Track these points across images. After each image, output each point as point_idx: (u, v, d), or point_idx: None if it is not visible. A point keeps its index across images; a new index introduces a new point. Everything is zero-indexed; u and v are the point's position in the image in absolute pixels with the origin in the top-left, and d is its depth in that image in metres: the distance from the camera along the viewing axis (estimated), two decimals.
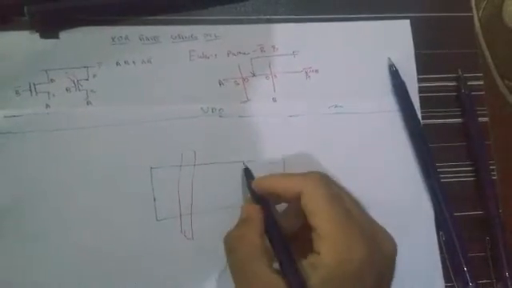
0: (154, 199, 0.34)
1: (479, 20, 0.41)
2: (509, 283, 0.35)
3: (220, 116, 0.36)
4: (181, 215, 0.34)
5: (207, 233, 0.33)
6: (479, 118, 0.38)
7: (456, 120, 0.38)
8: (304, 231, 0.28)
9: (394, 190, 0.36)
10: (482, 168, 0.37)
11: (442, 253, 0.35)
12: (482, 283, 0.35)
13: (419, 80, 0.38)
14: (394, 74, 0.37)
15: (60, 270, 0.32)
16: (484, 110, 0.39)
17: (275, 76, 0.37)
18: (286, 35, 0.38)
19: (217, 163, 0.35)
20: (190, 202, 0.34)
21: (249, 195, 0.32)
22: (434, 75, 0.39)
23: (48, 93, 0.34)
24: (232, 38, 0.37)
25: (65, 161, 0.34)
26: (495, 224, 0.36)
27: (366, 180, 0.35)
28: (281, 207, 0.33)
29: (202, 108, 0.35)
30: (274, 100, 0.37)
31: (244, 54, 0.37)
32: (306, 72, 0.37)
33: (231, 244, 0.29)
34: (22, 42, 0.35)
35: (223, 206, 0.34)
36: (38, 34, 0.35)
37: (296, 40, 0.38)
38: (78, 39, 0.35)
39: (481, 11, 0.41)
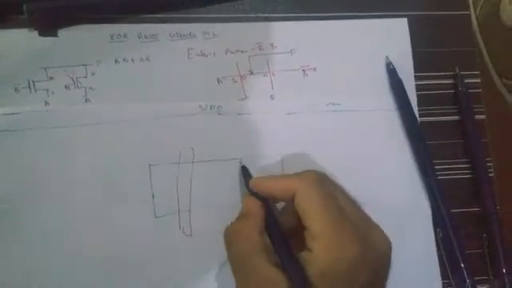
0: (153, 196, 0.34)
1: (477, 18, 0.41)
2: (506, 280, 0.35)
3: (218, 113, 0.36)
4: (179, 212, 0.34)
5: (206, 230, 0.33)
6: (476, 116, 0.38)
7: (453, 118, 0.38)
8: (301, 228, 0.28)
9: (391, 187, 0.36)
10: (479, 165, 0.37)
11: (439, 250, 0.35)
12: (479, 280, 0.35)
13: (416, 78, 0.38)
14: (392, 72, 0.38)
15: (59, 266, 0.32)
16: (481, 108, 0.39)
17: (273, 74, 0.37)
18: (284, 33, 0.38)
19: (215, 160, 0.35)
20: (189, 199, 0.34)
21: (247, 191, 0.32)
22: (431, 73, 0.39)
23: (47, 90, 0.34)
24: (230, 36, 0.37)
25: (64, 158, 0.34)
26: (492, 221, 0.36)
27: (363, 178, 0.35)
28: (279, 204, 0.33)
29: (200, 106, 0.35)
30: (272, 98, 0.37)
31: (242, 52, 0.37)
32: (304, 70, 0.37)
33: (230, 238, 0.29)
34: (20, 40, 0.35)
35: (221, 203, 0.34)
36: (36, 32, 0.35)
37: (294, 38, 0.38)
38: (77, 37, 0.35)
39: (478, 9, 0.41)
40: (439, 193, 0.36)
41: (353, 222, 0.27)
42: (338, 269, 0.25)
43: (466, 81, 0.38)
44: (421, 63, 0.39)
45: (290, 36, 0.38)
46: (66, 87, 0.35)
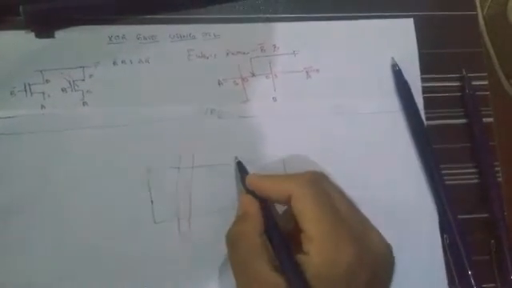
0: (152, 202, 0.33)
1: (484, 18, 0.40)
2: None
3: (219, 117, 0.35)
4: (179, 218, 0.33)
5: (206, 235, 0.33)
6: (484, 119, 0.38)
7: (460, 121, 0.38)
8: (299, 231, 0.28)
9: (396, 191, 0.36)
10: (487, 170, 0.37)
11: (446, 256, 0.35)
12: (487, 287, 0.35)
13: (423, 80, 0.38)
14: (397, 73, 0.37)
15: (58, 273, 0.32)
16: (489, 111, 0.38)
17: (275, 76, 0.37)
18: (287, 34, 0.37)
19: (216, 165, 0.34)
20: (189, 204, 0.34)
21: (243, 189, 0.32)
22: (437, 75, 0.38)
23: (43, 93, 0.34)
24: (231, 37, 0.37)
25: (61, 163, 0.33)
26: (500, 227, 0.36)
27: (368, 182, 0.35)
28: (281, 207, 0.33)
29: (200, 109, 0.35)
30: (275, 100, 0.36)
31: (243, 53, 0.36)
32: (307, 71, 0.37)
33: (232, 240, 0.29)
34: (17, 42, 0.35)
35: (222, 209, 0.33)
36: (33, 33, 0.35)
37: (297, 39, 0.37)
38: (74, 39, 0.35)
39: (485, 10, 0.41)
40: (446, 198, 0.35)
41: (349, 223, 0.27)
42: (334, 271, 0.25)
43: (473, 83, 0.38)
44: (427, 65, 0.38)
45: (293, 37, 0.37)
46: (62, 90, 0.34)
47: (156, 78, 0.35)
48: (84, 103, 0.34)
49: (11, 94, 0.34)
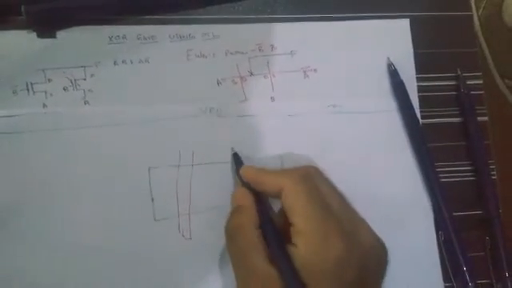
0: (152, 199, 0.34)
1: (479, 19, 0.41)
2: (508, 283, 0.35)
3: (218, 116, 0.35)
4: (179, 215, 0.34)
5: (205, 233, 0.33)
6: (478, 118, 0.38)
7: (455, 119, 0.38)
8: (289, 223, 0.28)
9: (392, 189, 0.36)
10: (482, 168, 0.37)
11: (441, 253, 0.35)
12: (482, 283, 0.35)
13: (418, 79, 0.38)
14: (393, 73, 0.37)
15: (59, 270, 0.32)
16: (483, 110, 0.39)
17: (273, 75, 0.37)
18: (285, 34, 0.37)
19: (215, 163, 0.34)
20: (189, 202, 0.34)
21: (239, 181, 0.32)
22: (433, 74, 0.38)
23: (45, 92, 0.34)
24: (230, 37, 0.37)
25: (62, 161, 0.33)
26: (495, 224, 0.36)
27: (364, 180, 0.35)
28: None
29: (199, 108, 0.35)
30: (273, 99, 0.36)
31: (242, 53, 0.37)
32: (305, 71, 0.37)
33: (231, 233, 0.29)
34: (19, 42, 0.35)
35: (221, 206, 0.33)
36: (35, 33, 0.35)
37: (294, 39, 0.37)
38: (76, 38, 0.35)
39: (480, 10, 0.41)
40: (441, 195, 0.35)
41: (339, 218, 0.27)
42: (323, 265, 0.26)
43: (468, 82, 0.38)
44: (422, 64, 0.38)
45: (291, 37, 0.37)
46: (64, 89, 0.34)
47: (156, 77, 0.35)
48: (85, 102, 0.34)
49: (13, 92, 0.34)
